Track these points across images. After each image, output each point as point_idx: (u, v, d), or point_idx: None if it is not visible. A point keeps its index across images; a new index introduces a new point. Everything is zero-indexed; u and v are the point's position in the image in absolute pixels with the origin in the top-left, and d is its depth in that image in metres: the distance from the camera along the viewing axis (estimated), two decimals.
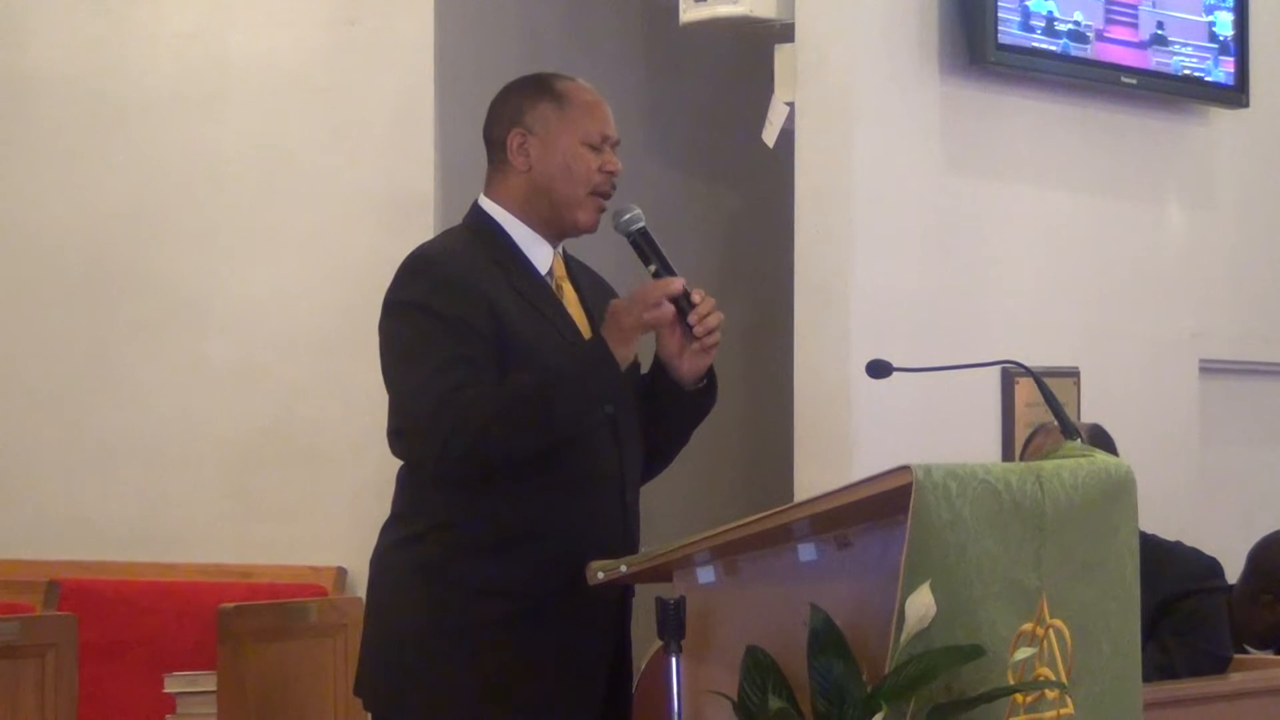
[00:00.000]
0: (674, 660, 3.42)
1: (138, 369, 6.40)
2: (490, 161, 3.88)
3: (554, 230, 3.84)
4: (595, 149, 3.82)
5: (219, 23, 6.37)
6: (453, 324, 3.66)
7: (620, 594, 3.77)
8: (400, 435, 3.70)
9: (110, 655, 5.86)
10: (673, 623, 3.43)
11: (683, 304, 3.78)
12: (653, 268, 3.80)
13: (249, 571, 6.10)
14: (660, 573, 3.58)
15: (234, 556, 6.17)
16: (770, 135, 5.64)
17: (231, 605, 5.46)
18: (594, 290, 3.93)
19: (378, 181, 6.12)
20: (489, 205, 3.85)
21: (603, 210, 3.84)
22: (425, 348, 3.67)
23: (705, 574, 3.51)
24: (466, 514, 3.70)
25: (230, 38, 6.35)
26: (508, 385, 3.64)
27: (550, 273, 3.84)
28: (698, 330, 3.77)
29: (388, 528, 3.81)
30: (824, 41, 5.50)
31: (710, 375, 3.87)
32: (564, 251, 3.91)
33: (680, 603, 3.44)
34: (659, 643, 3.48)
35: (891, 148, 5.56)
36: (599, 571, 3.56)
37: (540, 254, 3.83)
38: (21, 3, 6.61)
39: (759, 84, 5.71)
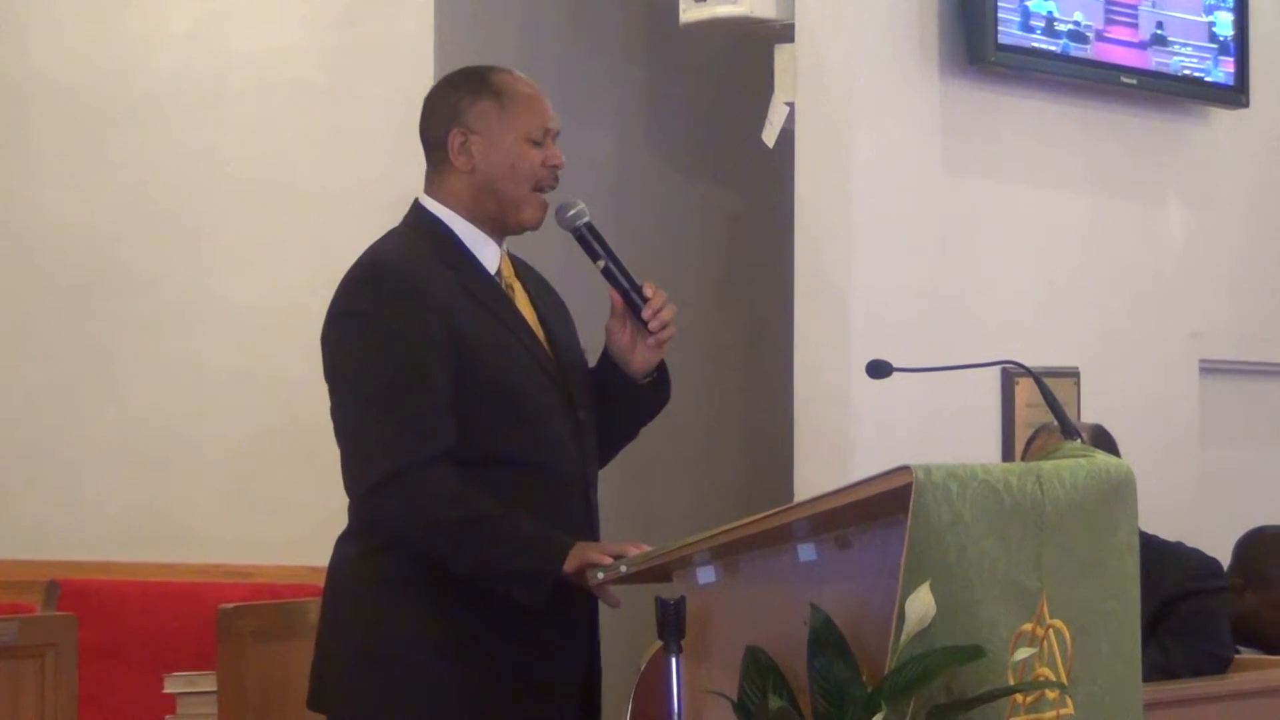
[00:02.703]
0: (674, 660, 3.42)
1: (138, 369, 6.40)
2: (429, 160, 3.84)
3: (499, 229, 3.79)
4: (538, 144, 3.76)
5: (219, 23, 6.37)
6: (403, 335, 3.61)
7: (587, 598, 3.69)
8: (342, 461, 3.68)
9: (110, 655, 5.85)
10: (673, 623, 3.42)
11: (634, 299, 3.76)
12: (601, 263, 3.77)
13: (249, 571, 6.09)
14: (660, 573, 3.58)
15: (234, 556, 6.17)
16: (770, 135, 5.64)
17: (231, 605, 5.45)
18: (539, 288, 3.89)
19: (378, 181, 6.11)
20: (431, 205, 3.80)
21: (546, 206, 3.79)
22: (369, 369, 3.62)
23: (705, 574, 3.51)
24: None
25: (230, 38, 6.35)
26: (467, 517, 3.59)
27: (499, 272, 3.79)
28: (653, 325, 3.76)
29: (346, 540, 3.74)
30: (824, 41, 5.50)
31: (661, 370, 3.86)
32: (508, 251, 3.87)
33: (680, 603, 3.43)
34: (659, 643, 3.48)
35: (891, 148, 5.56)
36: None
37: (488, 253, 3.78)
38: (21, 3, 6.61)
39: (759, 84, 5.71)
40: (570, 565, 3.56)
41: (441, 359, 3.62)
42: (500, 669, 3.65)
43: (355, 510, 3.69)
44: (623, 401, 3.85)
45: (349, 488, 3.66)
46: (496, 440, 3.67)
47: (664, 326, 3.77)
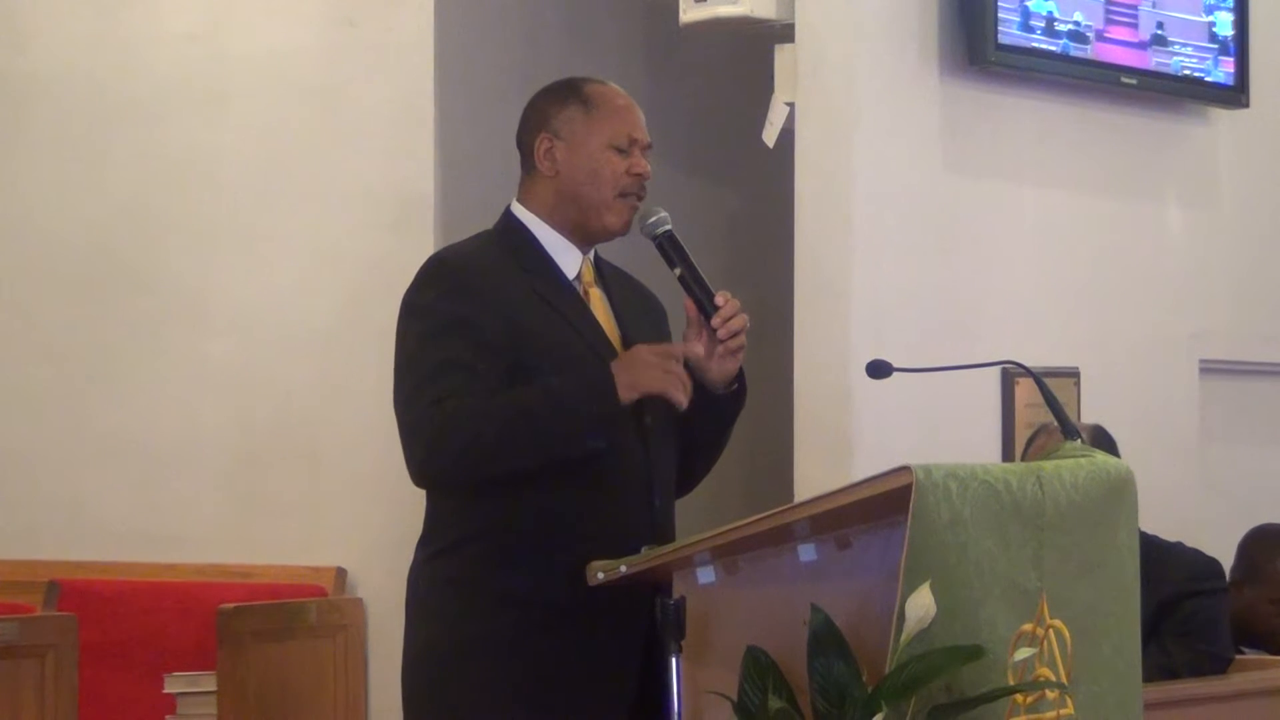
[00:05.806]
0: (674, 660, 3.43)
1: (138, 369, 6.39)
2: (522, 168, 3.89)
3: (584, 235, 3.84)
4: (623, 152, 3.81)
5: (219, 23, 6.37)
6: (457, 328, 3.67)
7: (651, 596, 3.69)
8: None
9: (110, 655, 5.85)
10: (673, 623, 3.43)
11: (707, 307, 3.78)
12: (678, 271, 3.80)
13: (249, 571, 6.10)
14: (660, 573, 3.58)
15: (234, 556, 6.16)
16: (770, 135, 5.64)
17: (231, 605, 5.46)
18: (628, 295, 3.93)
19: (378, 181, 6.12)
20: (519, 211, 3.86)
21: (634, 212, 3.83)
22: (422, 355, 3.69)
23: (705, 574, 3.51)
24: (490, 525, 3.70)
25: (230, 38, 6.34)
26: (504, 397, 3.63)
27: (579, 277, 3.84)
28: (721, 334, 3.78)
29: (419, 545, 3.83)
30: (824, 41, 5.50)
31: (740, 379, 3.87)
32: (596, 257, 3.90)
33: (680, 603, 3.44)
34: None
35: (891, 148, 5.56)
36: (599, 572, 3.56)
37: (569, 259, 3.84)
38: (21, 3, 6.61)
39: (759, 84, 5.71)
40: (626, 395, 3.63)
41: (490, 354, 3.67)
42: (550, 669, 3.68)
43: (421, 484, 3.72)
44: (700, 411, 3.85)
45: (406, 460, 3.71)
46: None
47: (733, 335, 3.78)
